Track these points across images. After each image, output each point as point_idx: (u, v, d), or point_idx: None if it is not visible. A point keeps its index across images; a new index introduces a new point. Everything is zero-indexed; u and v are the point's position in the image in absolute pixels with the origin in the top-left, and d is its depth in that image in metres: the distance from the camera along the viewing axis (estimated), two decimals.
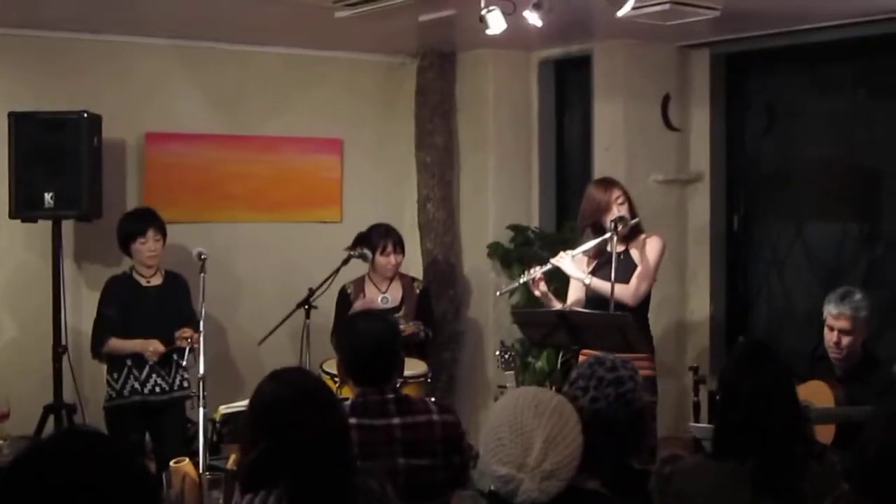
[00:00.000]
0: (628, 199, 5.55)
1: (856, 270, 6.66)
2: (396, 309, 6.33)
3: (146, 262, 5.97)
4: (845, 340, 5.09)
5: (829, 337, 5.12)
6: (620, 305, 5.32)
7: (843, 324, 5.06)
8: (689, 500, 3.30)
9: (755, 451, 3.29)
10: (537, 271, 5.50)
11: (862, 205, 6.74)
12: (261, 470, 3.00)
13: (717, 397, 3.48)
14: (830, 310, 5.11)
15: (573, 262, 5.54)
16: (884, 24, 6.02)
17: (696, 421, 5.47)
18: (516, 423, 2.67)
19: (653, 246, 5.58)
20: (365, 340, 3.86)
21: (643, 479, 3.38)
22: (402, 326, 5.97)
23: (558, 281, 5.81)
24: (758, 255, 7.21)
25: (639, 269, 5.51)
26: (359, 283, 6.45)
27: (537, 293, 5.53)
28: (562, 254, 5.56)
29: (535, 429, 2.66)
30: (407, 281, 6.53)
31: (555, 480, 2.64)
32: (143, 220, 5.99)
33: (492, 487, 2.78)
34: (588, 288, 5.53)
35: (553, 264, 5.54)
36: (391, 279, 6.44)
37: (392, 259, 6.34)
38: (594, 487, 2.82)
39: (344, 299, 6.40)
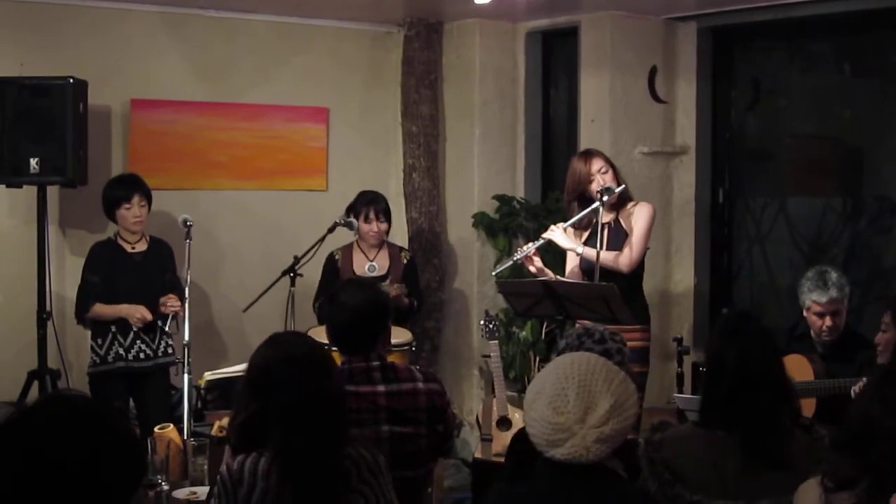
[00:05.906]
0: (612, 168, 5.54)
1: (838, 245, 6.69)
2: (383, 278, 6.33)
3: (131, 228, 5.96)
4: (837, 321, 5.09)
5: (819, 323, 5.09)
6: (614, 274, 5.32)
7: (834, 307, 5.06)
8: (679, 467, 3.33)
9: (741, 422, 3.31)
10: (530, 248, 5.48)
11: (845, 180, 6.77)
12: (251, 431, 3.06)
13: (703, 369, 3.50)
14: (817, 298, 5.05)
15: (564, 234, 5.53)
16: None
17: (680, 392, 5.49)
18: (586, 381, 2.71)
19: (641, 213, 5.55)
20: (346, 309, 3.89)
21: (626, 449, 3.40)
22: (386, 289, 5.99)
23: (546, 255, 5.81)
24: (742, 229, 7.23)
25: (630, 237, 5.49)
26: (347, 251, 6.44)
27: (532, 269, 5.49)
28: (552, 227, 5.55)
29: (602, 392, 2.70)
30: (395, 250, 6.53)
31: (607, 446, 2.68)
32: (129, 186, 5.97)
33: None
34: (581, 258, 5.52)
35: (545, 238, 5.52)
36: (378, 248, 6.44)
37: (374, 226, 6.33)
38: (615, 468, 2.83)
39: (332, 266, 6.40)
